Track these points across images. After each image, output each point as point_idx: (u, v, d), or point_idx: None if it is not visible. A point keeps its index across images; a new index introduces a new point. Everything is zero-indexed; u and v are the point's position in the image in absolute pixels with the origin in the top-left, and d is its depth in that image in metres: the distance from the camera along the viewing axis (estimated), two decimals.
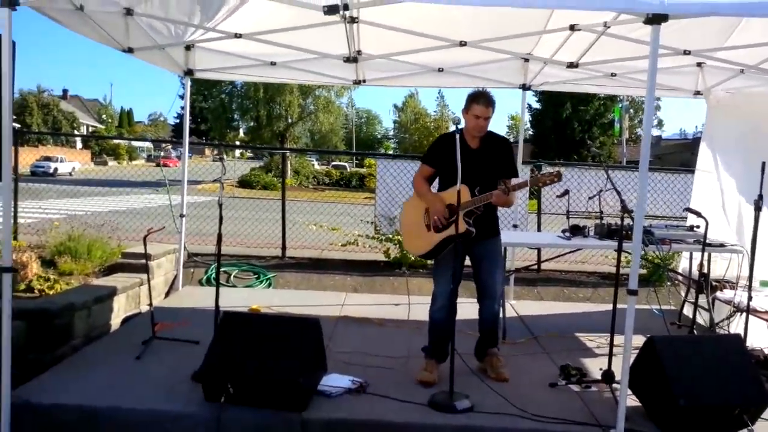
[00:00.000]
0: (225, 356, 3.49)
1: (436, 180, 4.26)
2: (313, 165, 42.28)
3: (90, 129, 58.60)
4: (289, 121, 38.48)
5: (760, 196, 4.50)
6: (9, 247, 3.35)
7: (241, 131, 46.54)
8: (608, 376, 3.89)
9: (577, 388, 4.00)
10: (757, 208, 4.52)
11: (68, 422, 3.36)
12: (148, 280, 4.88)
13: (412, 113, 63.52)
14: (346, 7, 3.33)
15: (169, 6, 4.70)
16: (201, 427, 3.30)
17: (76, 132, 50.33)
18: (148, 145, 60.29)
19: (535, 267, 8.01)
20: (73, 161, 38.79)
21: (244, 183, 30.31)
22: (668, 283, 7.50)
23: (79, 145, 49.77)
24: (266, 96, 36.01)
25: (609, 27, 4.41)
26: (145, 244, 4.59)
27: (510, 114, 59.01)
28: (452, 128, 3.85)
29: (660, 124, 56.51)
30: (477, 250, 4.10)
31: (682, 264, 6.66)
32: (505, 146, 4.19)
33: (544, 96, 38.89)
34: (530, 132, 46.53)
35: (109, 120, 64.60)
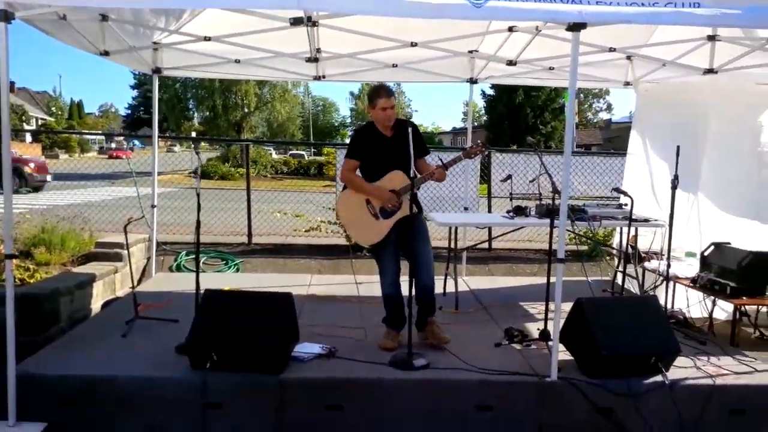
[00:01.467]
0: (208, 328, 3.92)
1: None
2: (270, 154, 42.31)
3: (40, 122, 57.20)
4: (246, 110, 38.48)
5: (676, 176, 5.12)
6: (10, 236, 3.72)
7: (195, 121, 46.20)
8: (545, 334, 4.48)
9: (519, 346, 4.56)
10: (673, 187, 5.12)
11: (70, 391, 3.74)
12: (130, 266, 5.27)
13: None
14: (309, 19, 3.78)
15: (139, 11, 5.07)
16: (191, 389, 3.72)
17: (26, 125, 49.08)
18: (99, 137, 59.23)
19: (486, 246, 8.60)
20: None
21: (202, 174, 30.11)
22: (608, 257, 8.20)
23: (28, 138, 48.56)
24: (222, 85, 35.91)
25: (540, 31, 4.96)
26: (125, 233, 4.96)
27: (465, 101, 59.81)
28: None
29: (609, 107, 58.23)
30: (411, 227, 4.44)
31: (617, 240, 7.32)
32: (413, 128, 4.46)
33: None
34: (484, 118, 47.21)
35: (59, 112, 63.15)
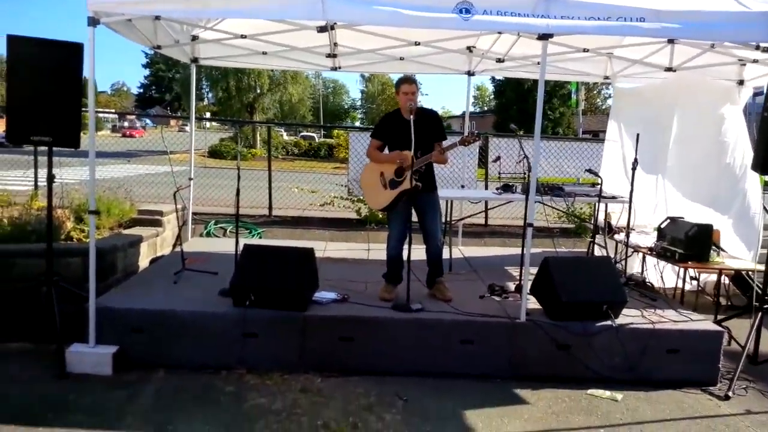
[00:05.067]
0: (247, 274, 4.90)
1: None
2: (281, 136, 43.18)
3: None
4: (258, 92, 39.27)
5: (635, 160, 6.05)
6: (93, 195, 4.70)
7: (206, 101, 47.03)
8: (519, 288, 5.43)
9: (498, 298, 5.53)
10: (633, 169, 6.06)
11: (138, 321, 4.74)
12: (179, 227, 6.27)
13: (379, 83, 64.31)
14: (332, 27, 4.71)
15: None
16: (233, 321, 4.72)
17: None
18: (112, 115, 60.28)
19: (482, 222, 9.55)
20: None
21: (215, 153, 31.23)
22: (589, 233, 9.14)
23: None
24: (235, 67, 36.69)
25: (520, 36, 5.85)
26: (175, 199, 5.96)
27: (476, 84, 60.43)
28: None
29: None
30: (421, 201, 5.38)
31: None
32: (434, 116, 5.50)
33: None
34: (493, 103, 47.68)
35: None
